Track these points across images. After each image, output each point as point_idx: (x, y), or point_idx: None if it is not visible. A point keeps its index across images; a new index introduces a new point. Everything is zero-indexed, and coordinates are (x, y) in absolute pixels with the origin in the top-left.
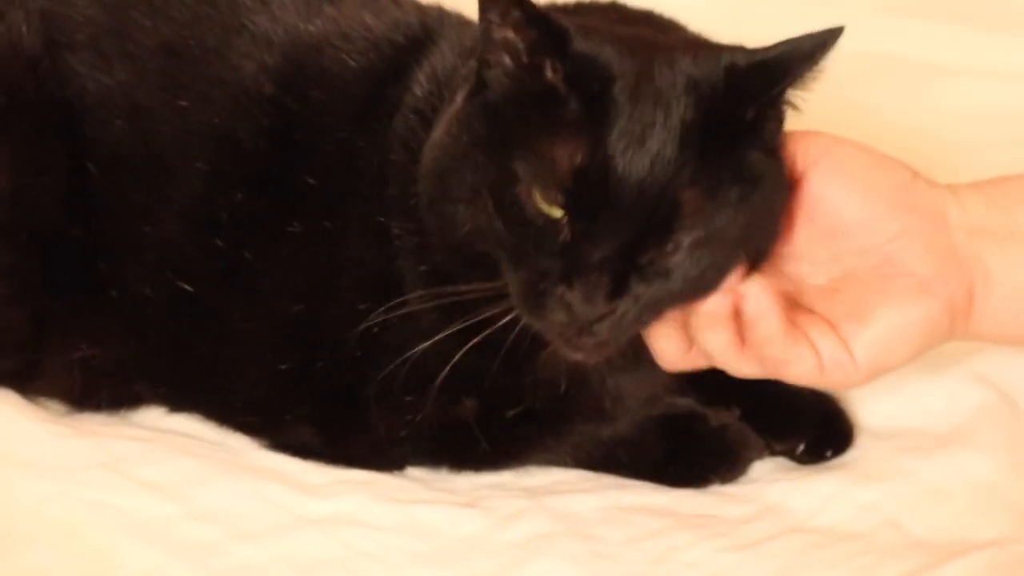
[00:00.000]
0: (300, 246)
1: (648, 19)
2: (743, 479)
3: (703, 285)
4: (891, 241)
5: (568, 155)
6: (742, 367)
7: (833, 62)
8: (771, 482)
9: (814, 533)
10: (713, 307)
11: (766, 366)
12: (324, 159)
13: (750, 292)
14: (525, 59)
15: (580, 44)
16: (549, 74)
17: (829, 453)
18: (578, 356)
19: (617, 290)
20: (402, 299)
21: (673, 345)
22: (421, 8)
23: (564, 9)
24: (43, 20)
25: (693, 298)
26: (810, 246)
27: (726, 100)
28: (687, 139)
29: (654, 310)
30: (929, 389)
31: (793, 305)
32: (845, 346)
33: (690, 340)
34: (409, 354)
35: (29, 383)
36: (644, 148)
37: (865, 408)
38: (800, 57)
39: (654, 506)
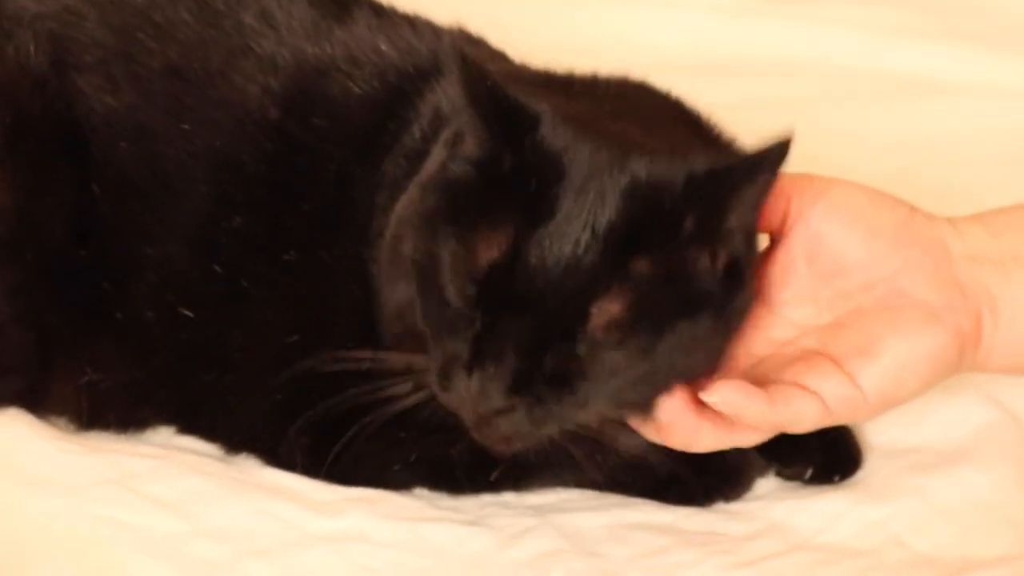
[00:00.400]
0: (296, 276)
1: (659, 110)
2: (748, 496)
3: (632, 398)
4: (895, 275)
5: (489, 247)
6: (746, 440)
7: (837, 81)
8: (776, 500)
9: (819, 551)
10: (679, 428)
11: (769, 432)
12: (322, 187)
13: (717, 399)
14: (490, 140)
15: (547, 133)
16: (507, 161)
17: (837, 477)
18: (486, 445)
19: (516, 387)
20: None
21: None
22: (438, 34)
23: (572, 84)
24: (51, 41)
25: (626, 408)
26: (813, 287)
27: (674, 208)
28: (614, 247)
29: (565, 414)
30: (935, 408)
31: (780, 361)
32: (852, 380)
33: None
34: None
35: (37, 404)
36: (563, 251)
37: (871, 427)
38: (748, 172)
39: (659, 524)
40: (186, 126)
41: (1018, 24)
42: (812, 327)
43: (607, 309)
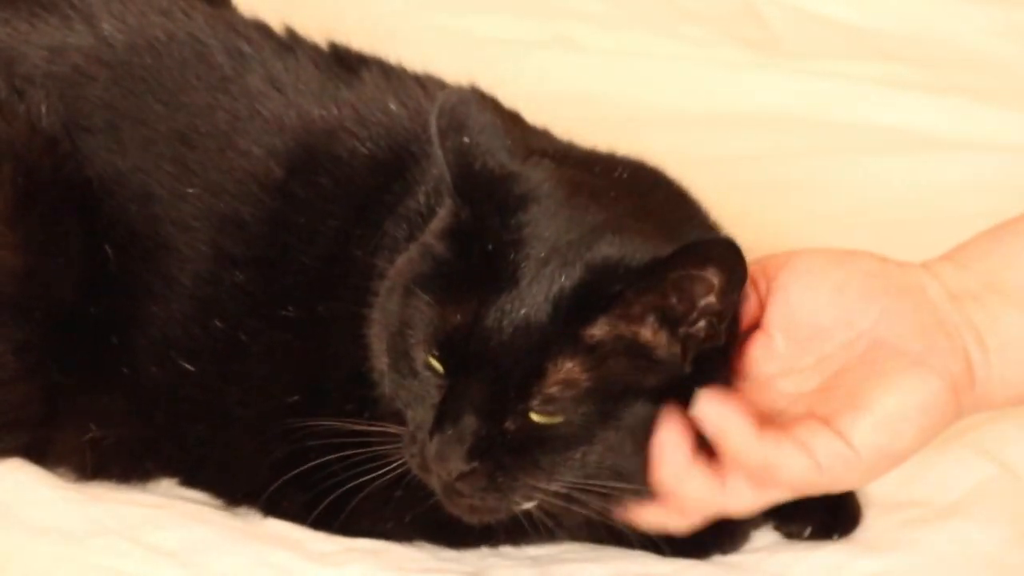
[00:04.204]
0: (293, 331)
1: (663, 198)
2: (746, 548)
3: (602, 472)
4: (874, 327)
5: (452, 313)
6: (737, 503)
7: (833, 134)
8: (774, 552)
9: None
10: (669, 459)
11: (757, 485)
12: (323, 244)
13: (703, 409)
14: (461, 210)
15: (532, 212)
16: (489, 244)
17: (836, 535)
18: (456, 513)
19: (476, 451)
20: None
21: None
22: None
23: (589, 159)
24: (63, 102)
25: (600, 483)
26: (796, 357)
27: (624, 287)
28: (566, 313)
29: (531, 483)
30: (933, 463)
31: (774, 418)
32: (843, 438)
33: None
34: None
35: (40, 458)
36: (519, 315)
37: None
38: (687, 262)
39: (657, 575)
40: (191, 190)
41: (1014, 78)
42: (800, 395)
43: (563, 367)
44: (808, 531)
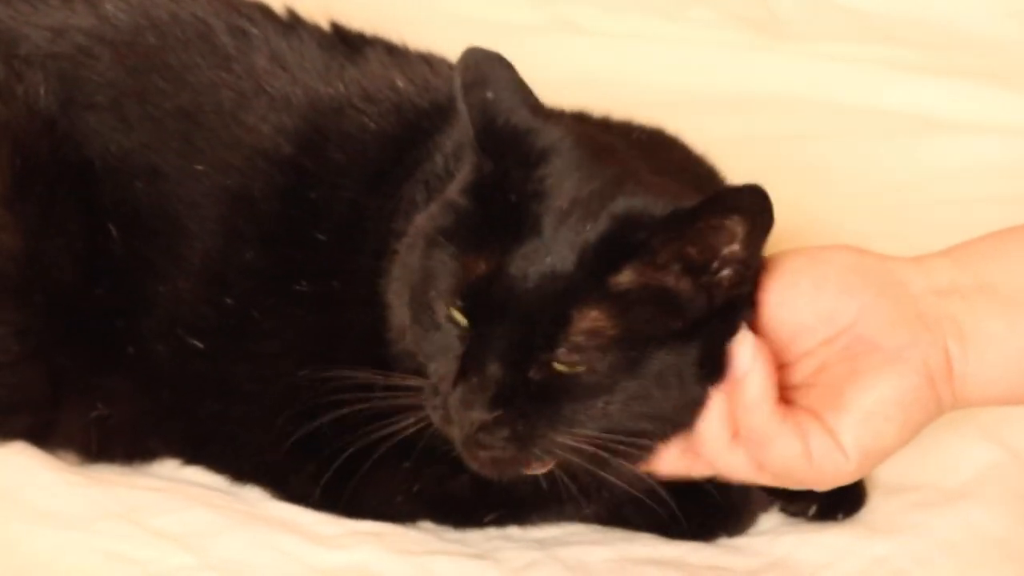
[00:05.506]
0: (306, 308)
1: (679, 159)
2: (752, 531)
3: (624, 423)
4: (855, 323)
5: (476, 263)
6: (730, 457)
7: (837, 118)
8: (780, 535)
9: None
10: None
11: (752, 449)
12: (335, 218)
13: (741, 348)
14: (486, 162)
15: (554, 164)
16: (512, 196)
17: (841, 515)
18: (475, 467)
19: (500, 399)
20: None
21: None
22: (454, 71)
23: (607, 121)
24: (62, 81)
25: (620, 436)
26: (779, 356)
27: (649, 236)
28: (592, 262)
29: (552, 434)
30: (938, 446)
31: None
32: (832, 435)
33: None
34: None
35: (45, 439)
36: (544, 264)
37: None
38: (712, 210)
39: (663, 558)
40: (198, 167)
41: (1019, 60)
42: (784, 390)
43: (588, 315)
44: (813, 510)
